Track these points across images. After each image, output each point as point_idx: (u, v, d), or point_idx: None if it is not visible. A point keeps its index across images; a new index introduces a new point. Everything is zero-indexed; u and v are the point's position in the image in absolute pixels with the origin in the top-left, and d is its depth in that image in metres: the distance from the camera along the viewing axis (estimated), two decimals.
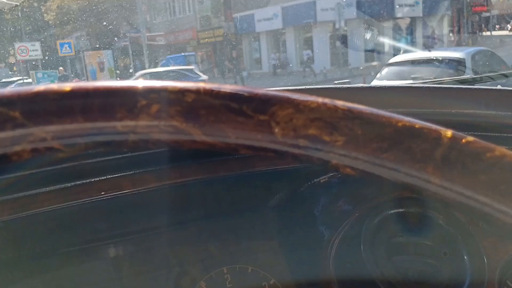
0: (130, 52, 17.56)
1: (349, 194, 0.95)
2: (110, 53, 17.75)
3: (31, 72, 22.24)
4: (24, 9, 43.82)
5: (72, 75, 29.02)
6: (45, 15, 34.34)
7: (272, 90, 0.32)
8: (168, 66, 22.01)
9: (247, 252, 0.94)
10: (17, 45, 20.42)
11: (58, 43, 17.52)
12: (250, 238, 0.95)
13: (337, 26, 19.91)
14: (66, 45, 17.45)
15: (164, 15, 33.65)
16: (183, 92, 0.30)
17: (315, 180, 0.93)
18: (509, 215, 0.31)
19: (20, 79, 29.45)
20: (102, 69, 17.64)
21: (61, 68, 20.10)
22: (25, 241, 0.80)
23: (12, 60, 53.00)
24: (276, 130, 0.32)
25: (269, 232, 0.95)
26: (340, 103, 0.33)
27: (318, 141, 0.32)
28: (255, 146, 0.31)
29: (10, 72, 49.49)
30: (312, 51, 22.39)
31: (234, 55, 23.28)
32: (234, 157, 0.84)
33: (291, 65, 25.05)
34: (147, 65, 19.51)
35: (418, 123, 0.33)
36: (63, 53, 17.57)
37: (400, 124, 0.32)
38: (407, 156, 0.32)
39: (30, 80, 25.43)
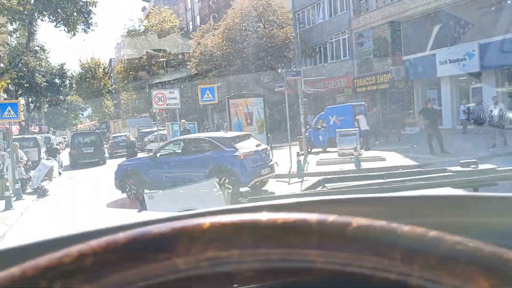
0: (286, 100, 13.09)
1: None
2: (261, 101, 13.55)
3: (167, 123, 19.51)
4: (170, 59, 44.08)
5: (209, 127, 26.29)
6: (188, 63, 33.07)
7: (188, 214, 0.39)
8: (328, 118, 17.37)
9: None
10: (154, 92, 17.55)
11: (199, 89, 13.89)
12: None
13: None
14: (208, 91, 13.73)
15: (312, 60, 29.73)
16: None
17: None
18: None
19: (156, 130, 27.43)
20: (249, 122, 13.49)
21: (183, 121, 16.69)
22: None
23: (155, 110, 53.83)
24: (178, 262, 0.37)
25: None
26: (226, 219, 0.39)
27: (218, 259, 0.37)
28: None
29: (152, 122, 50.13)
30: None
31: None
32: None
33: (487, 120, 18.23)
34: (302, 117, 14.86)
35: (290, 218, 0.39)
36: (204, 101, 13.86)
37: (280, 221, 0.38)
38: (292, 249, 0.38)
39: (165, 131, 22.96)
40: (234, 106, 13.36)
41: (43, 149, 24.86)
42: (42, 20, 24.62)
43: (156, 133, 25.91)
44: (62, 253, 0.38)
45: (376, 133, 17.06)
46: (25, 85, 39.78)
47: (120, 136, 29.59)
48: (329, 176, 2.09)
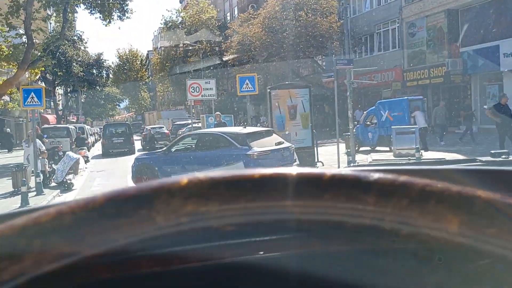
0: (336, 92, 11.55)
1: None
2: (307, 92, 12.05)
3: (201, 115, 18.25)
4: (206, 51, 43.06)
5: (246, 121, 24.96)
6: (225, 53, 31.80)
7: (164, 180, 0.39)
8: (379, 114, 15.66)
9: None
10: (189, 82, 16.35)
11: (237, 79, 12.54)
12: None
13: None
14: (248, 81, 12.36)
15: (357, 51, 27.87)
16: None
17: None
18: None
19: (190, 123, 26.41)
20: (293, 116, 12.03)
21: (218, 113, 15.42)
22: None
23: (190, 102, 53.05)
24: (158, 218, 0.38)
25: None
26: (202, 175, 0.39)
27: (197, 213, 0.39)
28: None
29: (187, 114, 49.35)
30: None
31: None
32: None
33: None
34: (349, 112, 13.25)
35: (268, 171, 0.40)
36: (242, 91, 12.50)
37: (257, 175, 0.40)
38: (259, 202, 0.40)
39: (200, 124, 21.86)
40: (276, 98, 11.92)
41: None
42: (77, 6, 23.88)
43: (190, 125, 24.85)
44: (39, 213, 0.38)
45: (442, 131, 15.29)
46: (60, 74, 39.60)
47: (154, 128, 28.70)
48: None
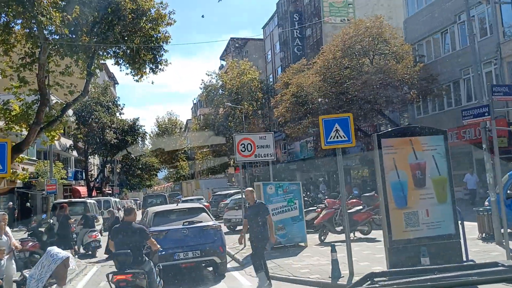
0: (495, 142, 6.50)
1: None
2: (441, 141, 7.09)
3: (256, 183, 12.93)
4: (248, 114, 39.22)
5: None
6: (275, 110, 27.36)
7: None
8: None
9: None
10: (238, 137, 11.80)
11: (321, 122, 7.77)
12: None
13: None
14: (338, 125, 7.58)
15: (436, 103, 22.87)
16: None
17: None
18: None
19: (233, 192, 21.83)
20: (420, 183, 7.02)
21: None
22: None
23: (231, 170, 48.65)
24: None
25: None
26: None
27: None
28: None
29: (228, 183, 44.80)
30: None
31: None
32: None
33: None
34: (489, 175, 8.10)
35: None
36: (329, 143, 7.66)
37: None
38: None
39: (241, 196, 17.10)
40: (390, 151, 7.04)
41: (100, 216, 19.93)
42: (103, 55, 20.41)
43: (235, 196, 20.06)
44: None
45: None
46: (92, 142, 36.48)
47: (191, 199, 24.04)
48: (377, 271, 1.87)
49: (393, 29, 21.94)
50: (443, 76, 21.28)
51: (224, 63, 61.90)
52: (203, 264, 9.38)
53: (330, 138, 7.67)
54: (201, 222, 9.16)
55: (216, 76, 46.92)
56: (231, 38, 60.41)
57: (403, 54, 20.67)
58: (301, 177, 32.25)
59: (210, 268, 9.65)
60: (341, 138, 7.65)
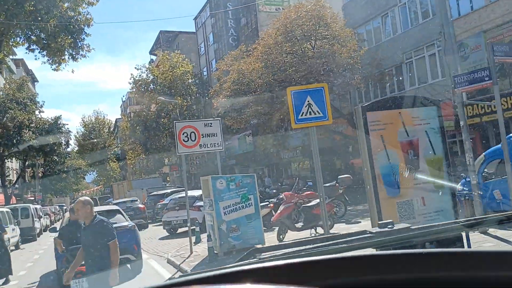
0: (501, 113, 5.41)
1: None
2: (434, 113, 5.86)
3: (202, 178, 11.30)
4: (183, 109, 37.19)
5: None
6: (213, 101, 25.55)
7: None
8: None
9: None
10: (179, 125, 10.02)
11: (289, 94, 6.26)
12: None
13: None
14: (310, 98, 6.11)
15: (380, 88, 22.35)
16: None
17: None
18: None
19: (173, 192, 20.08)
20: (414, 162, 5.72)
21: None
22: None
23: (166, 169, 46.17)
24: None
25: None
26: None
27: None
28: None
29: (163, 183, 42.34)
30: None
31: None
32: None
33: None
34: (467, 155, 7.07)
35: None
36: (300, 121, 6.18)
37: None
38: None
39: (195, 192, 15.17)
40: (375, 126, 5.69)
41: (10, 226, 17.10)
42: (11, 38, 17.56)
43: (174, 196, 18.14)
44: None
45: None
46: (6, 142, 32.60)
47: (124, 202, 21.72)
48: (259, 246, 1.99)
49: (333, 13, 21.03)
50: (386, 61, 20.73)
51: (154, 57, 58.79)
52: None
53: (302, 115, 6.17)
54: (115, 223, 9.04)
55: (147, 70, 44.06)
56: (160, 31, 57.53)
57: (345, 38, 19.79)
58: (240, 172, 30.81)
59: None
60: (315, 114, 6.17)
